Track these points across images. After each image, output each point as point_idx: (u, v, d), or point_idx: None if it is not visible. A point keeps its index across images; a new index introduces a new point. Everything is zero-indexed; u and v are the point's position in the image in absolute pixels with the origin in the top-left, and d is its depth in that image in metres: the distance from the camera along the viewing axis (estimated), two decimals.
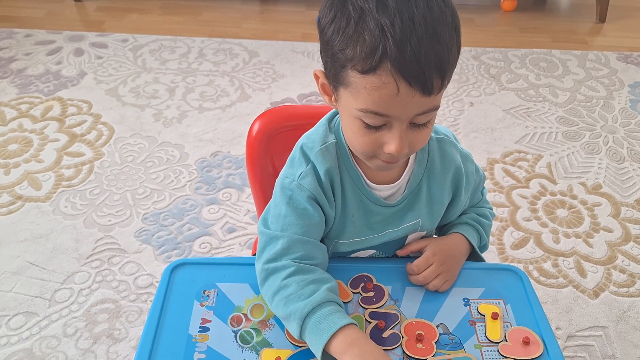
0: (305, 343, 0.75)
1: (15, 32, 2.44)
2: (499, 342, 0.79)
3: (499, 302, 0.85)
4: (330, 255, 0.88)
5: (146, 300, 1.42)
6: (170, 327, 0.79)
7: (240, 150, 1.87)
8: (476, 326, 0.81)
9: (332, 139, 0.81)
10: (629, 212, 1.74)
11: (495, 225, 1.67)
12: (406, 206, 0.85)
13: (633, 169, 1.90)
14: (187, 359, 0.74)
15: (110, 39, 2.44)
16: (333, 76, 0.71)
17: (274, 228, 0.80)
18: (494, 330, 0.81)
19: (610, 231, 1.67)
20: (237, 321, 0.80)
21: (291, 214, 0.79)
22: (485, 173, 1.83)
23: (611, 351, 1.36)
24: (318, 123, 0.85)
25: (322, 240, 0.85)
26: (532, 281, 1.41)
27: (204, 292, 0.84)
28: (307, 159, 0.81)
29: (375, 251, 0.89)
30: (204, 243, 1.57)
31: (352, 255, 0.89)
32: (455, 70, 2.23)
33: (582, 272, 1.55)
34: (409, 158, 0.84)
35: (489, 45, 2.56)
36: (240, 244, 1.57)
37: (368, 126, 0.70)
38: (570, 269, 1.55)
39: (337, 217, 0.83)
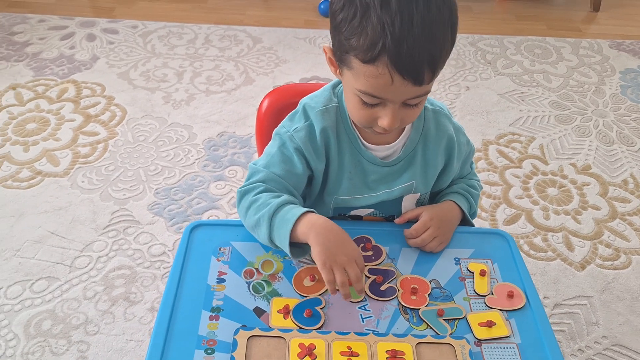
0: (296, 256, 0.85)
1: (29, 18, 2.52)
2: (485, 295, 0.88)
3: (487, 262, 0.94)
4: (332, 213, 0.98)
5: (159, 267, 1.51)
6: (191, 279, 0.88)
7: (244, 130, 1.97)
8: (465, 282, 0.90)
9: (334, 102, 0.91)
10: (616, 191, 1.84)
11: (488, 202, 1.77)
12: (401, 167, 0.94)
13: (621, 151, 2.00)
14: (207, 304, 0.83)
15: (121, 25, 2.52)
16: (338, 57, 0.80)
17: (260, 164, 0.91)
18: (482, 285, 0.90)
19: (597, 209, 1.77)
20: (249, 274, 0.89)
21: (278, 155, 0.90)
22: (480, 154, 1.93)
23: (595, 318, 1.46)
24: (323, 87, 0.95)
25: (322, 197, 0.95)
26: (522, 254, 1.51)
27: (219, 249, 0.93)
28: (307, 117, 0.91)
29: (373, 210, 0.98)
30: (211, 216, 1.66)
31: (352, 213, 0.99)
32: (452, 55, 2.32)
33: (570, 247, 1.64)
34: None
35: (486, 33, 2.64)
36: None
37: (365, 103, 0.80)
38: (558, 243, 1.65)
39: (333, 173, 0.92)
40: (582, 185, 1.85)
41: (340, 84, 0.93)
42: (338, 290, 0.81)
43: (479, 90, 2.26)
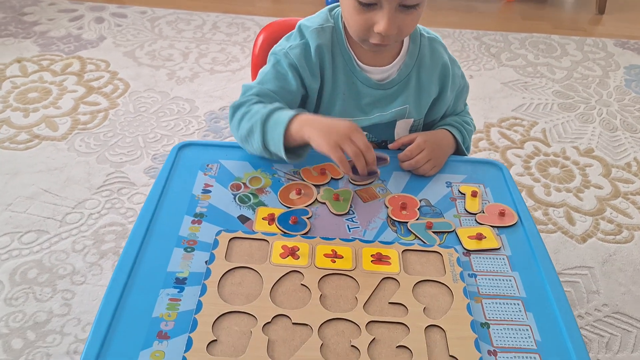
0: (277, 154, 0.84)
1: (40, 1, 2.57)
2: (476, 214, 0.86)
3: (479, 186, 0.92)
4: None
5: None
6: (175, 189, 0.86)
7: None
8: (456, 202, 0.88)
9: (330, 23, 0.90)
10: (619, 172, 1.80)
11: None
12: (395, 91, 0.93)
13: (625, 137, 1.97)
14: (190, 210, 0.82)
15: (130, 11, 2.56)
16: None
17: (253, 82, 0.90)
18: (473, 205, 0.88)
19: (600, 188, 1.73)
20: (236, 187, 0.87)
21: (272, 72, 0.89)
22: (481, 134, 1.91)
23: (596, 287, 1.41)
24: (319, 12, 0.94)
25: None
26: None
27: (207, 166, 0.92)
28: (302, 36, 0.90)
29: (366, 133, 0.97)
30: None
31: None
32: (456, 47, 2.34)
33: (571, 221, 1.60)
34: (400, 47, 0.92)
35: (491, 29, 2.66)
36: None
37: (362, 5, 0.79)
38: (559, 217, 1.61)
39: (327, 93, 0.92)
40: (584, 166, 1.82)
41: (338, 7, 0.93)
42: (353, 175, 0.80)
43: (482, 78, 2.25)
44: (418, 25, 0.96)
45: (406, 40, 0.93)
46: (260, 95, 0.88)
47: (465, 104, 1.09)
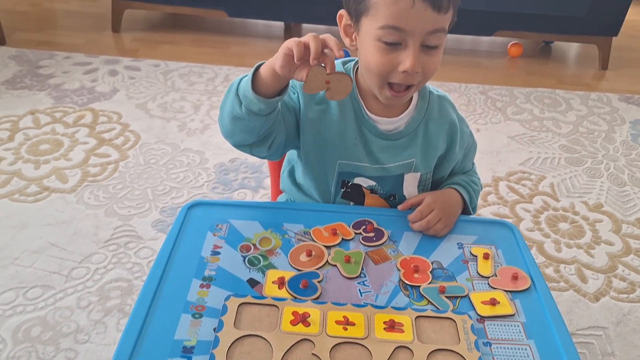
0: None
1: (56, 54, 2.64)
2: (489, 277, 0.85)
3: (491, 247, 0.91)
4: (337, 178, 0.97)
5: None
6: (184, 250, 0.86)
7: (257, 158, 1.98)
8: (468, 264, 0.87)
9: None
10: (630, 229, 1.79)
11: None
12: (403, 144, 0.94)
13: (634, 192, 1.96)
14: (199, 273, 0.81)
15: (144, 64, 2.62)
16: (355, 9, 0.83)
17: None
18: (485, 268, 0.87)
19: (611, 244, 1.71)
20: (246, 249, 0.87)
21: None
22: (489, 188, 1.91)
23: (611, 349, 1.37)
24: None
25: (325, 161, 0.95)
26: None
27: (216, 226, 0.92)
28: None
29: (374, 183, 0.97)
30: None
31: (355, 180, 0.97)
32: (463, 101, 2.37)
33: (583, 279, 1.58)
34: (409, 103, 0.94)
35: (496, 84, 2.70)
36: None
37: (386, 45, 0.81)
38: (571, 274, 1.59)
39: (334, 135, 0.92)
40: (594, 221, 1.81)
41: (349, 63, 0.95)
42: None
43: (489, 132, 2.27)
44: (427, 84, 0.98)
45: (415, 96, 0.95)
46: None
47: (473, 163, 1.09)
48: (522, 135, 2.27)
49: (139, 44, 2.87)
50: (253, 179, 1.87)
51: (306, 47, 0.73)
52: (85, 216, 1.68)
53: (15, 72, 2.46)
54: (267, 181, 1.84)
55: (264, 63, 0.81)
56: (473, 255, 0.89)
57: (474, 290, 0.82)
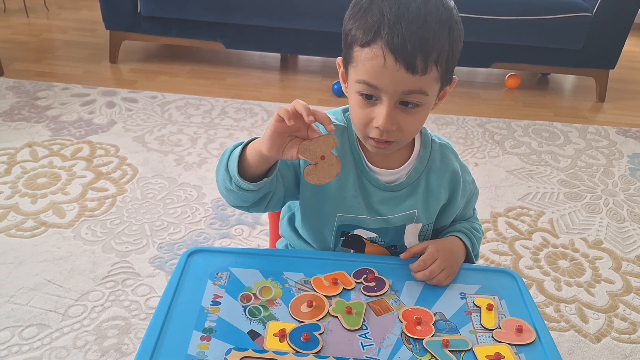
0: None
1: (54, 85, 2.64)
2: (493, 329, 0.84)
3: (494, 297, 0.90)
4: (336, 230, 0.96)
5: None
6: (184, 299, 0.85)
7: None
8: (472, 316, 0.86)
9: (342, 123, 0.93)
10: (630, 266, 1.78)
11: None
12: (404, 194, 0.93)
13: (633, 229, 1.96)
14: (199, 325, 0.80)
15: (141, 95, 2.63)
16: (345, 58, 0.85)
17: None
18: (489, 319, 0.86)
19: (611, 282, 1.71)
20: (246, 299, 0.86)
21: None
22: (488, 224, 1.91)
23: None
24: (333, 110, 0.98)
25: (324, 214, 0.94)
26: None
27: (217, 274, 0.91)
28: (317, 125, 0.92)
29: (375, 235, 0.96)
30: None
31: (355, 231, 0.96)
32: (461, 134, 2.39)
33: (583, 318, 1.56)
34: (411, 151, 0.94)
35: (493, 116, 2.71)
36: None
37: (364, 98, 0.81)
38: (572, 314, 1.57)
39: (334, 188, 0.92)
40: (594, 259, 1.80)
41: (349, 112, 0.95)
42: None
43: (487, 166, 2.27)
44: (430, 132, 0.98)
45: (417, 145, 0.95)
46: None
47: (474, 209, 1.09)
48: (520, 170, 2.28)
49: (136, 74, 2.88)
50: (250, 215, 1.87)
51: (294, 114, 0.73)
52: (82, 252, 1.67)
53: (12, 103, 2.46)
54: (265, 217, 1.83)
55: (252, 140, 0.82)
56: (476, 306, 0.88)
57: (478, 343, 0.81)
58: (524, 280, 1.69)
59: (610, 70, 2.89)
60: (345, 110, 0.96)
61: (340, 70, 0.89)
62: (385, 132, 0.81)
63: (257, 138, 0.82)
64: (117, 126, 2.35)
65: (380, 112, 0.80)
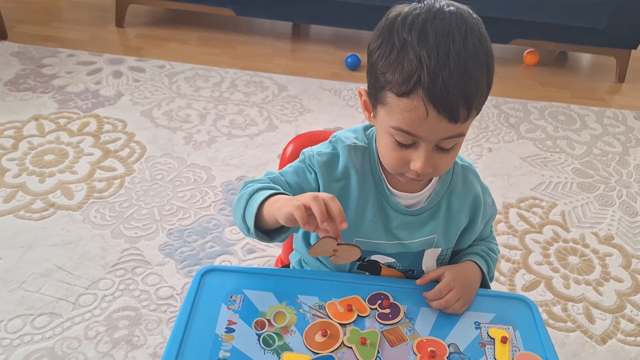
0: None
1: (59, 52, 2.58)
2: None
3: (508, 328, 0.90)
4: None
5: (165, 311, 1.47)
6: (198, 326, 0.84)
7: None
8: (486, 348, 0.86)
9: (363, 143, 0.90)
10: None
11: (507, 266, 1.71)
12: (424, 219, 0.91)
13: None
14: (214, 355, 0.79)
15: (148, 65, 2.57)
16: (373, 95, 0.80)
17: (277, 171, 0.91)
18: (503, 354, 0.85)
19: (620, 281, 1.71)
20: (260, 325, 0.85)
21: (294, 168, 0.90)
22: (500, 216, 1.89)
23: None
24: (354, 127, 0.94)
25: (343, 238, 0.91)
26: None
27: (231, 297, 0.90)
28: (335, 147, 0.90)
29: (393, 260, 0.95)
30: (224, 261, 1.63)
31: (372, 257, 0.95)
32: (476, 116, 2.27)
33: (590, 319, 1.57)
34: None
35: (510, 96, 2.65)
36: (259, 264, 1.63)
37: (398, 143, 0.79)
38: (579, 314, 1.58)
39: (353, 213, 0.90)
40: (604, 255, 1.80)
41: (372, 127, 0.92)
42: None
43: (501, 152, 2.24)
44: None
45: None
46: (274, 181, 0.88)
47: (492, 226, 1.07)
48: (534, 157, 2.24)
49: (144, 40, 2.80)
50: None
51: (307, 208, 0.72)
52: (92, 237, 1.67)
53: (18, 71, 2.41)
54: None
55: (271, 195, 0.79)
56: (491, 338, 0.87)
57: None
58: (533, 276, 1.69)
59: (632, 51, 2.79)
60: (367, 128, 0.92)
61: (363, 99, 0.85)
62: (422, 174, 0.80)
63: (275, 193, 0.81)
64: (124, 99, 2.31)
65: (418, 157, 0.78)
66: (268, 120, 2.28)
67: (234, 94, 2.43)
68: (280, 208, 0.75)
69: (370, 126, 0.93)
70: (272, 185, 0.86)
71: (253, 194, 0.82)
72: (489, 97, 2.53)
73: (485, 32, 0.77)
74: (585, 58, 3.21)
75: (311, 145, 1.12)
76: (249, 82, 2.53)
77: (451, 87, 0.71)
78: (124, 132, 2.12)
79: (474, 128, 2.33)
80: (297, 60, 2.79)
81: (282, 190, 0.83)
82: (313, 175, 0.89)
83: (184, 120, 2.22)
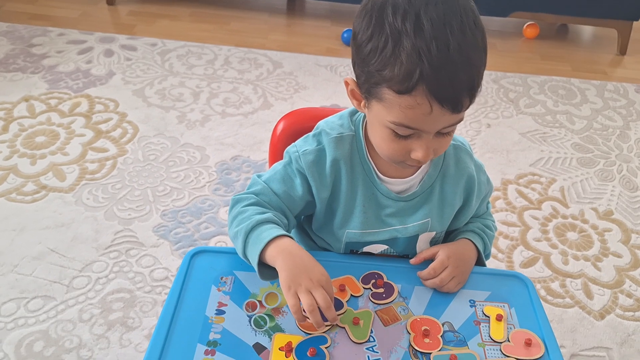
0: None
1: (49, 31, 2.53)
2: (501, 342, 0.82)
3: (503, 306, 0.88)
4: (344, 248, 0.92)
5: (160, 293, 1.46)
6: (188, 308, 0.83)
7: (259, 155, 1.92)
8: (480, 326, 0.84)
9: (350, 131, 0.86)
10: (639, 239, 1.76)
11: (505, 243, 1.70)
12: (417, 203, 0.89)
13: None
14: (203, 337, 0.78)
15: (140, 42, 2.52)
16: (366, 89, 0.76)
17: (262, 177, 0.89)
18: (498, 331, 0.84)
19: (619, 256, 1.69)
20: (251, 307, 0.83)
21: (281, 174, 0.87)
22: (499, 193, 1.87)
23: None
24: (340, 113, 0.91)
25: (333, 231, 0.90)
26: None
27: (221, 279, 0.88)
28: (320, 142, 0.87)
29: (386, 247, 0.93)
30: (219, 242, 1.61)
31: (365, 249, 0.93)
32: None
33: (589, 294, 1.56)
34: None
35: (509, 70, 2.61)
36: None
37: (398, 135, 0.76)
38: (577, 290, 1.57)
39: (342, 206, 0.88)
40: (603, 231, 1.78)
41: (359, 112, 0.88)
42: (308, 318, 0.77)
43: (500, 128, 2.21)
44: None
45: None
46: (262, 194, 0.87)
47: (488, 202, 1.04)
48: (534, 132, 2.21)
49: (135, 17, 2.75)
50: None
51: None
52: (85, 219, 1.65)
53: (7, 51, 2.37)
54: None
55: (274, 239, 0.79)
56: (486, 316, 0.86)
57: (485, 358, 0.79)
58: (531, 253, 1.67)
59: (634, 22, 2.74)
60: (353, 114, 0.89)
61: (350, 88, 0.80)
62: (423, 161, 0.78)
63: (275, 238, 0.80)
64: (115, 78, 2.27)
65: (419, 147, 0.75)
66: (263, 97, 2.25)
67: (228, 72, 2.39)
68: (280, 273, 0.77)
69: (356, 110, 0.89)
70: (265, 216, 0.83)
71: (250, 231, 0.82)
72: (489, 72, 2.49)
73: (474, 5, 0.74)
74: (587, 30, 3.15)
75: (303, 122, 1.11)
76: (243, 59, 2.49)
77: (455, 80, 0.68)
78: (115, 112, 2.08)
79: (473, 104, 2.27)
80: (293, 36, 2.74)
81: (279, 231, 0.81)
82: (299, 180, 0.86)
83: (177, 99, 2.19)
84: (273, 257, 0.78)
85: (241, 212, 0.84)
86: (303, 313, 0.76)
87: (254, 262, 0.80)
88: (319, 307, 0.75)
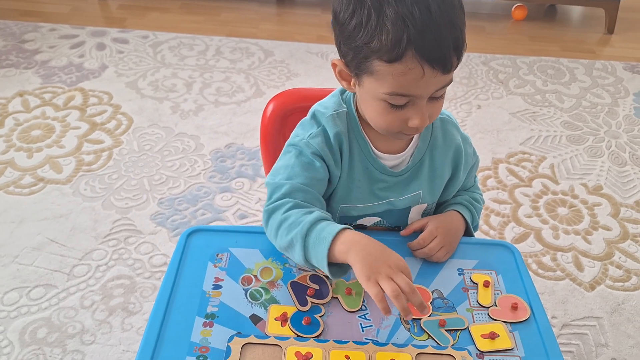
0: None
1: (40, 26, 2.55)
2: (489, 307, 0.85)
3: (491, 273, 0.91)
4: (337, 221, 0.95)
5: (159, 278, 1.49)
6: (185, 284, 0.85)
7: (253, 142, 1.95)
8: (469, 293, 0.87)
9: (343, 108, 0.89)
10: (628, 212, 1.79)
11: (497, 220, 1.73)
12: (409, 177, 0.92)
13: (634, 172, 1.96)
14: (202, 311, 0.81)
15: (132, 35, 2.54)
16: (356, 66, 0.77)
17: (279, 178, 0.86)
18: (485, 297, 0.87)
19: (608, 229, 1.72)
20: (247, 281, 0.86)
21: (298, 165, 0.85)
22: (489, 172, 1.90)
23: (604, 340, 1.41)
24: (330, 94, 0.93)
25: (328, 204, 0.92)
26: (530, 273, 1.47)
27: (217, 255, 0.90)
28: (319, 123, 0.88)
29: (379, 219, 0.96)
30: None
31: (358, 222, 0.96)
32: (464, 74, 2.32)
33: (579, 267, 1.60)
34: None
35: (499, 52, 2.63)
36: None
37: (393, 106, 0.77)
38: (568, 263, 1.60)
39: (343, 180, 0.90)
40: (593, 205, 1.81)
41: (347, 91, 0.91)
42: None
43: (490, 109, 2.23)
44: None
45: None
46: (293, 193, 0.84)
47: (475, 176, 1.07)
48: (523, 112, 2.23)
49: (126, 11, 2.76)
50: (250, 167, 1.85)
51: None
52: (83, 209, 1.67)
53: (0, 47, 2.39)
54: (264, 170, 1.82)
55: (337, 234, 0.76)
56: (473, 283, 0.89)
57: (474, 322, 0.82)
58: (522, 228, 1.71)
59: (621, 0, 2.76)
60: (343, 92, 0.91)
61: (338, 69, 0.82)
62: (421, 127, 0.79)
63: (338, 233, 0.77)
64: (108, 71, 2.29)
65: (415, 114, 0.77)
66: (255, 86, 2.27)
67: (220, 62, 2.41)
68: (355, 267, 0.73)
69: (345, 90, 0.91)
70: (315, 216, 0.80)
71: (307, 234, 0.78)
72: (478, 54, 2.51)
73: None
74: (575, 10, 3.17)
75: (292, 102, 1.13)
76: (234, 48, 2.51)
77: (442, 41, 0.70)
78: (109, 105, 2.10)
79: (463, 86, 2.32)
80: (283, 25, 2.76)
81: (338, 227, 0.78)
82: (318, 163, 0.85)
83: (170, 90, 2.21)
84: (343, 253, 0.75)
85: (284, 219, 0.81)
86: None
87: (323, 264, 0.77)
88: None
